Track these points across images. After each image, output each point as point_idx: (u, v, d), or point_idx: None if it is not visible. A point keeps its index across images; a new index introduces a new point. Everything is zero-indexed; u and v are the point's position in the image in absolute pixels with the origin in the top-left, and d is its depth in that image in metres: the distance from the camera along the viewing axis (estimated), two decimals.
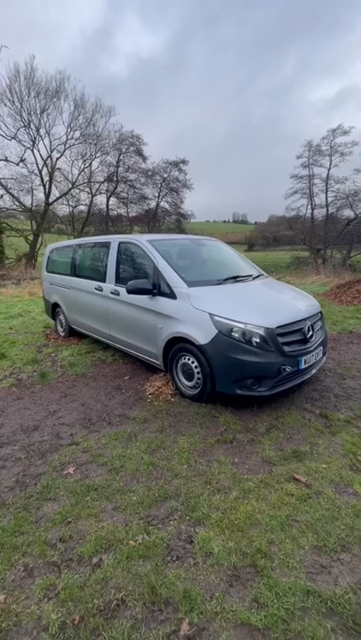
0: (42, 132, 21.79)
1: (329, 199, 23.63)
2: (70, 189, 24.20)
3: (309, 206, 24.63)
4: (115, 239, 4.16)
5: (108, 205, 26.85)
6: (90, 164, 24.64)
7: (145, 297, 3.50)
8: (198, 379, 3.09)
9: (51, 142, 22.33)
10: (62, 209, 25.95)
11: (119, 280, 3.99)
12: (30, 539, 1.72)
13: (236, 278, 3.65)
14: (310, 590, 1.39)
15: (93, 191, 25.70)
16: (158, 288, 3.40)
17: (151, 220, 28.15)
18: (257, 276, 3.94)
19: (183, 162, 27.29)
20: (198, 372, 3.07)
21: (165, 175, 27.64)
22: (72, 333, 5.46)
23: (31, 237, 22.33)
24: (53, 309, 5.82)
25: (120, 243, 4.04)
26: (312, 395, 3.30)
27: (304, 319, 3.10)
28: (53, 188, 23.16)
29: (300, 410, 2.99)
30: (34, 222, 23.27)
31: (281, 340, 2.85)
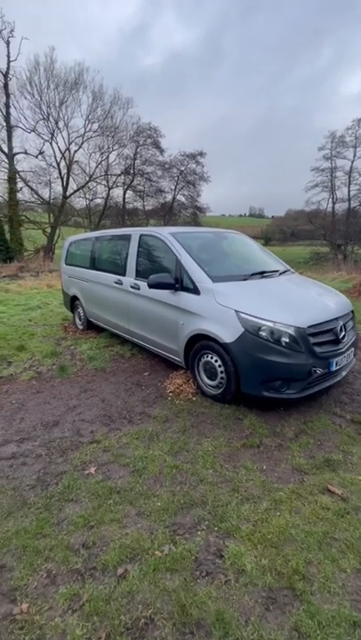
0: (60, 124, 21.86)
1: (352, 192, 22.76)
2: (87, 182, 24.26)
3: (330, 200, 23.80)
4: (135, 232, 4.05)
5: (124, 198, 26.81)
6: (107, 157, 24.60)
7: (166, 292, 3.38)
8: (222, 378, 2.96)
9: (69, 135, 22.39)
10: (79, 202, 26.11)
11: (140, 274, 3.89)
12: (53, 542, 1.66)
13: (262, 274, 3.48)
14: (357, 622, 1.26)
15: (110, 184, 25.69)
16: (181, 283, 3.27)
17: (167, 214, 27.94)
18: (283, 272, 3.76)
19: (201, 154, 26.88)
20: (222, 372, 2.94)
21: (182, 168, 27.32)
22: (90, 327, 5.43)
23: (49, 230, 22.57)
24: (72, 302, 5.79)
25: (141, 235, 3.93)
26: (341, 398, 3.12)
27: (336, 318, 2.91)
28: (71, 180, 23.28)
29: (330, 414, 2.83)
30: (51, 215, 23.48)
31: (312, 340, 2.68)
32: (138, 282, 3.83)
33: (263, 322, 2.65)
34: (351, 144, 22.15)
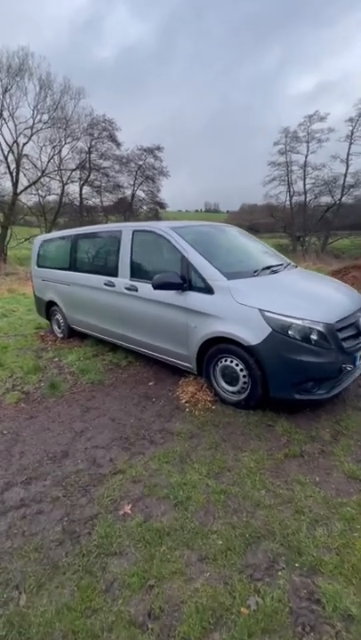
0: (5, 114, 20.09)
1: (307, 186, 23.79)
2: (40, 178, 22.63)
3: (288, 193, 24.70)
4: (127, 227, 3.66)
5: (81, 194, 25.51)
6: (59, 151, 23.13)
7: (171, 293, 3.07)
8: (244, 383, 2.74)
9: (16, 126, 20.67)
10: (32, 199, 24.30)
11: (135, 274, 3.53)
12: (110, 618, 1.32)
13: (269, 268, 3.31)
14: None
15: (65, 179, 24.24)
16: (189, 282, 2.99)
17: (127, 210, 27.12)
18: (287, 266, 3.62)
19: (158, 148, 26.34)
20: (245, 376, 2.72)
21: (140, 162, 26.61)
22: (71, 334, 4.93)
23: None
24: (48, 308, 5.23)
25: (134, 232, 3.56)
26: (358, 392, 3.06)
27: (356, 312, 2.83)
28: (21, 176, 21.57)
29: (358, 410, 2.74)
30: (0, 214, 21.61)
31: (340, 335, 2.56)
32: (135, 283, 3.46)
33: (292, 320, 2.47)
34: (304, 139, 23.14)
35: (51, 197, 24.57)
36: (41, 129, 21.62)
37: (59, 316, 5.00)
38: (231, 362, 2.78)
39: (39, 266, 5.26)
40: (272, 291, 2.83)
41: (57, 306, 4.92)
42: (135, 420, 2.77)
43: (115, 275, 3.72)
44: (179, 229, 3.26)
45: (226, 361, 2.82)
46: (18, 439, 2.58)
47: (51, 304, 5.10)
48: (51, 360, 4.25)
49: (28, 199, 23.69)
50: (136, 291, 3.44)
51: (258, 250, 3.82)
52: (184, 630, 1.26)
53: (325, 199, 23.16)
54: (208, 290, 2.86)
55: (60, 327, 5.08)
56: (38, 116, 21.19)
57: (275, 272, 3.26)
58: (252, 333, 2.57)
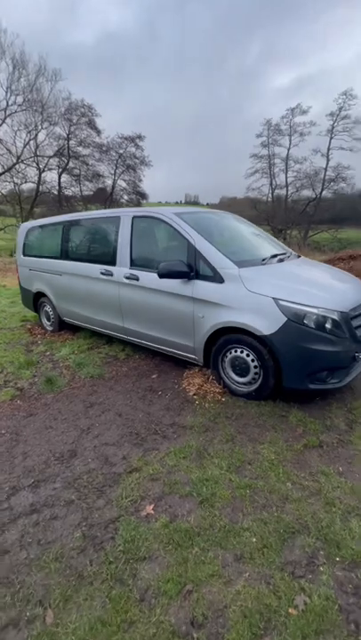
0: None
1: (289, 179, 24.05)
2: (15, 164, 21.52)
3: (270, 186, 24.88)
4: (126, 213, 3.47)
5: (60, 183, 24.53)
6: (35, 136, 22.05)
7: (176, 282, 2.94)
8: (256, 374, 2.68)
9: None
10: (6, 187, 23.09)
11: (135, 263, 3.36)
12: (150, 630, 1.21)
13: (276, 257, 3.24)
14: None
15: (42, 167, 23.19)
16: (196, 270, 2.87)
17: (108, 199, 26.40)
18: (290, 255, 3.57)
19: (140, 137, 25.74)
20: (256, 367, 2.65)
21: (121, 151, 25.90)
22: (62, 327, 4.69)
23: None
24: (36, 300, 4.94)
25: (134, 217, 3.37)
26: None
27: None
28: None
29: None
30: None
31: (354, 323, 2.53)
32: (135, 272, 3.29)
33: (308, 308, 2.41)
34: (286, 132, 23.29)
35: (26, 186, 23.47)
36: (15, 112, 20.51)
37: (48, 308, 4.74)
38: (241, 352, 2.70)
39: (25, 254, 4.94)
40: (283, 279, 2.76)
41: (46, 297, 4.66)
42: (144, 414, 2.64)
43: (112, 263, 3.53)
44: (183, 215, 3.12)
45: (236, 352, 2.74)
46: (19, 439, 2.39)
47: (39, 295, 4.82)
48: (42, 354, 4.02)
49: (1, 187, 22.51)
50: (137, 280, 3.28)
51: (260, 238, 3.75)
52: (233, 638, 1.18)
53: (306, 193, 23.56)
54: (217, 278, 2.75)
55: (49, 320, 4.82)
56: (12, 98, 20.10)
57: (281, 260, 3.20)
58: (265, 323, 2.49)
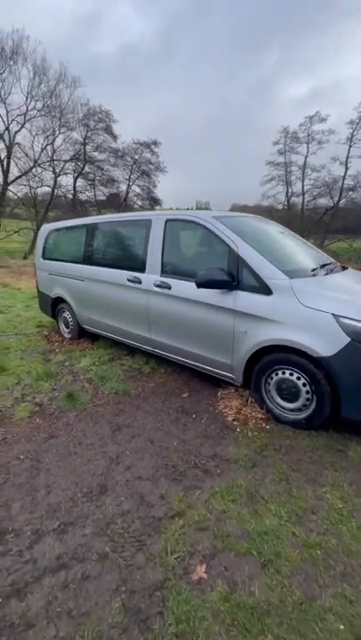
0: None
1: (306, 187, 23.64)
2: (32, 167, 21.70)
3: (286, 194, 24.53)
4: (158, 217, 3.21)
5: (75, 187, 24.67)
6: (53, 141, 22.25)
7: (214, 292, 2.66)
8: (307, 400, 2.35)
9: (7, 112, 19.70)
10: (22, 190, 23.30)
11: (166, 270, 3.08)
12: None
13: (324, 267, 2.93)
14: None
15: (58, 171, 23.36)
16: (238, 280, 2.58)
17: (122, 204, 26.44)
18: (335, 266, 3.25)
19: (155, 143, 25.73)
20: (308, 392, 2.33)
21: (137, 157, 25.96)
22: (81, 335, 4.44)
23: None
24: (54, 305, 4.71)
25: (167, 221, 3.11)
26: None
27: None
28: (12, 165, 20.63)
29: None
30: None
31: None
32: (166, 279, 3.02)
33: None
34: (304, 140, 22.96)
35: (41, 190, 23.64)
36: (34, 117, 20.73)
37: (67, 315, 4.50)
38: (291, 374, 2.39)
39: (46, 258, 4.73)
40: (341, 292, 2.44)
41: (66, 303, 4.42)
42: (179, 442, 2.33)
43: (141, 270, 3.26)
44: (223, 219, 2.84)
45: (284, 373, 2.42)
46: (40, 467, 2.10)
47: (58, 301, 4.59)
48: (62, 364, 3.76)
49: (17, 190, 22.72)
50: (168, 289, 3.00)
51: (304, 246, 3.44)
52: None
53: (323, 201, 23.09)
54: (264, 290, 2.45)
55: (67, 327, 4.58)
56: (32, 103, 20.31)
57: (331, 271, 2.89)
58: (324, 343, 2.17)
